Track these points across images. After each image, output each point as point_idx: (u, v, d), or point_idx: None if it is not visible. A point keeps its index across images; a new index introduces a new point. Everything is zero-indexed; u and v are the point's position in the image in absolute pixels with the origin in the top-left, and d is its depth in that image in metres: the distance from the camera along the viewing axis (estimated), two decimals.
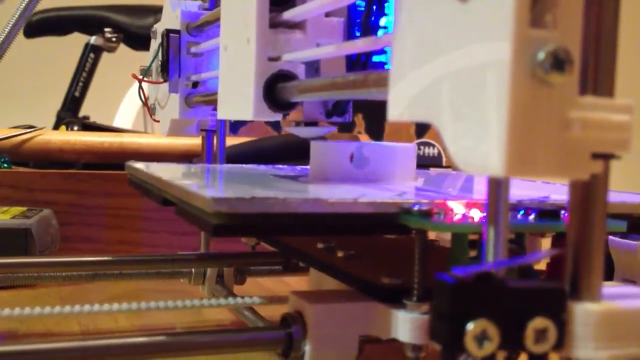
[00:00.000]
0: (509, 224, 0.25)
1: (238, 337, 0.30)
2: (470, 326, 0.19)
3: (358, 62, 0.34)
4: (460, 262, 0.26)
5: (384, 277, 0.30)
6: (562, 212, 0.27)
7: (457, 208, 0.27)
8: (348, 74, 0.29)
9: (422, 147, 0.97)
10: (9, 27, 0.63)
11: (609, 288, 0.21)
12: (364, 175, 0.38)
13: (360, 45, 0.29)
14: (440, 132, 0.21)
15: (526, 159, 0.18)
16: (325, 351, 0.29)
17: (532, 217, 0.27)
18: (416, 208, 0.27)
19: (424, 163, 0.95)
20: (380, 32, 0.33)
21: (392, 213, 0.28)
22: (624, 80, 0.25)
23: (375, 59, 0.34)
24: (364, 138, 0.79)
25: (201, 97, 0.46)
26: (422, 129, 0.96)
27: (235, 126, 0.87)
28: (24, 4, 0.62)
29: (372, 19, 0.33)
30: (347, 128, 0.91)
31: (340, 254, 0.35)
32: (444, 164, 0.97)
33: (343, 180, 0.37)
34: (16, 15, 0.64)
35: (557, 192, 0.34)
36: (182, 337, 0.30)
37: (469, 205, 0.27)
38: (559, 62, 0.18)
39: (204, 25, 0.46)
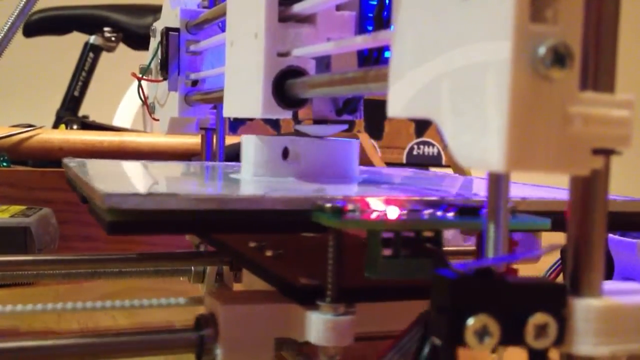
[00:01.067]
0: (427, 221, 0.25)
1: (150, 339, 0.28)
2: (471, 321, 0.19)
3: (370, 58, 0.33)
4: (374, 262, 0.25)
5: (301, 277, 0.28)
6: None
7: (374, 204, 0.26)
8: (346, 71, 0.29)
9: (421, 146, 0.97)
10: (7, 26, 0.63)
11: (610, 284, 0.21)
12: (298, 171, 0.36)
13: (372, 39, 0.28)
14: (441, 128, 0.21)
15: (526, 155, 0.18)
16: (237, 355, 0.28)
17: (451, 214, 0.26)
18: (328, 205, 0.25)
19: (423, 162, 0.95)
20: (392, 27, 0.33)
21: (304, 210, 0.26)
22: (625, 76, 0.25)
23: (388, 54, 0.33)
24: (364, 137, 0.79)
25: (200, 95, 0.46)
26: (421, 128, 0.96)
27: (235, 125, 0.87)
28: (22, 3, 0.62)
29: (385, 13, 0.32)
30: (346, 127, 0.91)
31: (268, 253, 0.34)
32: (443, 163, 0.97)
33: (274, 176, 0.35)
34: (15, 14, 0.64)
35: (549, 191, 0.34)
36: (91, 339, 0.28)
37: (387, 202, 0.26)
38: (559, 57, 0.18)
39: (203, 23, 0.46)
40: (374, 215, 0.25)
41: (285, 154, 0.36)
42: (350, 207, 0.25)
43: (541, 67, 0.18)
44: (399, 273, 0.25)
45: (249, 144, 0.36)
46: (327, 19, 0.33)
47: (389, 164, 0.86)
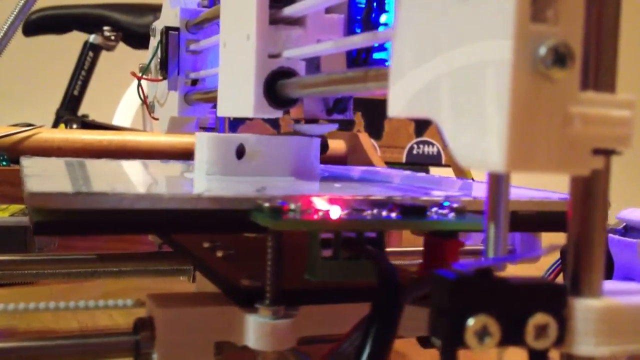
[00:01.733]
0: (368, 222, 0.24)
1: (87, 343, 0.27)
2: (471, 322, 0.19)
3: (358, 59, 0.34)
4: (314, 263, 0.25)
5: (243, 279, 0.28)
6: (434, 209, 0.26)
7: (318, 204, 0.25)
8: (346, 70, 0.29)
9: (421, 146, 0.97)
10: (6, 25, 0.63)
11: (610, 284, 0.21)
12: (252, 170, 0.36)
13: (361, 40, 0.29)
14: (441, 128, 0.21)
15: (527, 155, 0.18)
16: (174, 359, 0.27)
17: (394, 214, 0.25)
18: (267, 205, 0.24)
19: (423, 162, 0.95)
20: (380, 29, 0.33)
21: (244, 210, 0.25)
22: (626, 76, 0.25)
23: (376, 55, 0.34)
24: (364, 136, 0.79)
25: (200, 94, 0.46)
26: (421, 127, 0.96)
27: (235, 124, 0.86)
28: (22, 2, 0.62)
29: (373, 15, 0.33)
30: (346, 127, 0.91)
31: (219, 253, 0.33)
32: (443, 162, 0.97)
33: (228, 175, 0.35)
34: (14, 13, 0.64)
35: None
36: (25, 343, 0.27)
37: (331, 201, 0.25)
38: (560, 57, 0.18)
39: (203, 23, 0.46)
40: (316, 215, 0.24)
41: (241, 152, 0.36)
42: (291, 206, 0.24)
43: (542, 67, 0.18)
44: (339, 275, 0.25)
45: (202, 142, 0.36)
46: (317, 22, 0.34)
47: (389, 164, 0.86)
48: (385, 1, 0.33)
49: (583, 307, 0.20)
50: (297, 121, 0.38)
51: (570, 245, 0.21)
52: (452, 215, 0.26)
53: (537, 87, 0.18)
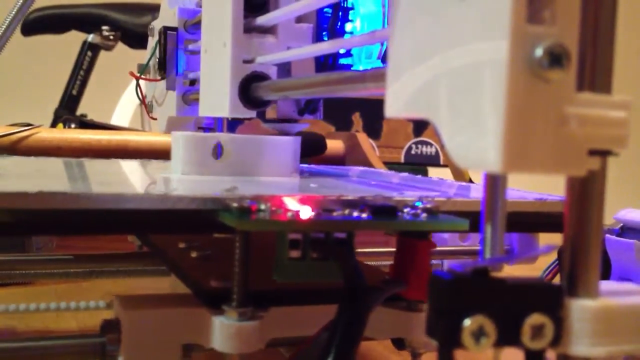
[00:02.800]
0: (338, 222, 0.24)
1: (52, 344, 0.27)
2: (467, 322, 0.19)
3: (326, 64, 0.37)
4: (282, 264, 0.24)
5: (212, 280, 0.27)
6: (407, 209, 0.25)
7: (288, 204, 0.25)
8: (345, 72, 0.30)
9: (419, 146, 0.97)
10: (5, 25, 0.63)
11: (606, 285, 0.21)
12: (228, 169, 0.36)
13: (328, 46, 0.30)
14: (438, 128, 0.21)
15: (523, 155, 0.18)
16: None
17: (364, 214, 0.25)
18: (235, 205, 0.24)
19: (421, 162, 0.95)
20: (346, 37, 0.36)
21: (211, 210, 0.25)
22: (622, 77, 0.25)
23: (342, 61, 0.37)
24: (362, 136, 0.79)
25: (198, 94, 0.46)
26: (419, 127, 0.96)
27: (233, 124, 0.86)
28: (20, 2, 0.62)
29: (339, 24, 0.36)
30: (345, 127, 0.91)
31: (193, 254, 0.33)
32: (441, 162, 0.97)
33: (204, 174, 0.36)
34: (13, 13, 0.64)
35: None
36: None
37: (302, 201, 0.25)
38: (556, 58, 0.18)
39: (201, 23, 0.46)
40: (286, 215, 0.24)
41: (217, 151, 0.37)
42: (260, 206, 0.24)
43: (538, 67, 0.18)
44: (307, 276, 0.25)
45: (178, 141, 0.37)
46: (288, 30, 0.37)
47: (387, 164, 0.86)
48: (350, 12, 0.36)
49: (579, 308, 0.20)
50: (272, 121, 0.40)
51: (567, 246, 0.21)
52: (424, 215, 0.25)
53: (534, 87, 0.18)
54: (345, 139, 0.79)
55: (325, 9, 0.36)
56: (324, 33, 0.37)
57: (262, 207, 0.24)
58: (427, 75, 0.21)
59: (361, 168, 0.54)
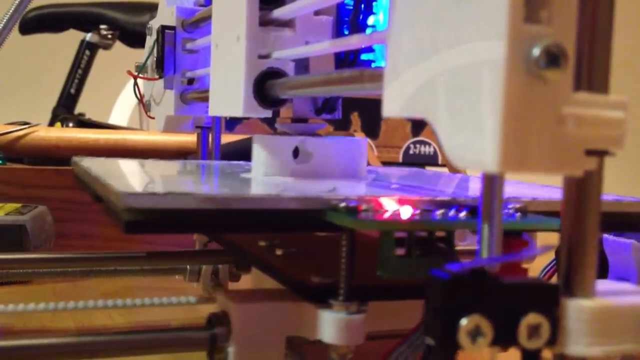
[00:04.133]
0: (440, 222, 0.25)
1: (162, 337, 0.29)
2: (464, 322, 0.19)
3: (346, 60, 0.35)
4: (387, 261, 0.25)
5: (313, 276, 0.29)
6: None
7: (388, 205, 0.26)
8: (342, 70, 0.29)
9: (417, 146, 0.97)
10: (3, 23, 0.63)
11: (603, 284, 0.21)
12: (308, 171, 0.36)
13: (351, 42, 0.29)
14: (435, 128, 0.21)
15: (520, 156, 0.18)
16: (249, 352, 0.28)
17: (463, 214, 0.26)
18: (343, 205, 0.25)
19: (420, 162, 0.95)
20: (368, 31, 0.34)
21: (319, 209, 0.26)
22: (619, 76, 0.25)
23: (364, 57, 0.35)
24: (360, 136, 0.79)
25: (196, 93, 0.46)
26: (418, 127, 0.97)
27: (232, 124, 0.87)
28: (18, 0, 0.62)
29: (361, 17, 0.34)
30: (343, 126, 0.91)
31: (279, 251, 0.34)
32: (439, 162, 0.97)
33: (286, 176, 0.36)
34: (10, 11, 0.64)
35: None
36: (101, 337, 0.28)
37: (400, 202, 0.26)
38: (553, 58, 0.18)
39: (199, 22, 0.46)
40: (386, 215, 0.25)
41: (295, 153, 0.36)
42: (363, 206, 0.25)
43: (535, 67, 0.18)
44: (411, 272, 0.26)
45: (260, 143, 0.37)
46: (306, 23, 0.35)
47: (385, 163, 0.86)
48: (373, 4, 0.33)
49: (576, 308, 0.20)
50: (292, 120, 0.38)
51: (563, 246, 0.21)
52: (518, 215, 0.26)
53: (531, 87, 0.18)
54: None
55: (347, 0, 0.34)
56: (344, 27, 0.35)
57: (365, 207, 0.25)
58: (424, 75, 0.21)
59: (414, 169, 0.54)
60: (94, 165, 0.38)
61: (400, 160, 0.96)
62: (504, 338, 0.20)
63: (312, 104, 0.37)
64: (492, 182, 0.21)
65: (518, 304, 0.20)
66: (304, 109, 0.37)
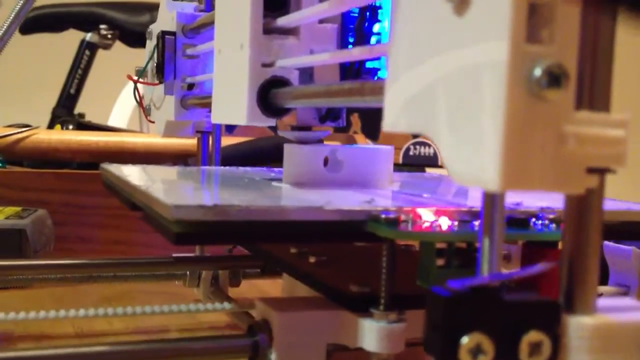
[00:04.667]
0: (461, 233, 0.26)
1: (204, 345, 0.30)
2: (465, 340, 0.19)
3: (352, 68, 0.34)
4: (428, 271, 0.26)
5: (352, 285, 0.29)
6: (533, 219, 0.27)
7: (426, 216, 0.27)
8: (343, 83, 0.29)
9: (417, 147, 0.97)
10: (6, 26, 0.63)
11: (604, 300, 0.21)
12: (338, 180, 0.37)
13: (355, 54, 0.29)
14: (436, 143, 0.21)
15: (522, 174, 0.18)
16: (291, 359, 0.29)
17: None
18: (383, 216, 0.26)
19: (420, 163, 0.95)
20: (373, 38, 0.34)
21: (360, 221, 0.27)
22: (620, 91, 0.25)
23: (369, 65, 0.34)
24: (360, 138, 0.79)
25: (197, 99, 0.46)
26: None
27: (231, 126, 0.86)
28: (20, 3, 0.61)
29: (366, 25, 0.33)
30: (343, 128, 0.91)
31: (312, 259, 0.35)
32: (439, 163, 0.97)
33: (316, 185, 0.36)
34: (13, 14, 0.63)
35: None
36: (146, 345, 0.29)
37: (438, 213, 0.27)
38: (555, 79, 0.18)
39: (200, 28, 0.45)
40: (425, 226, 0.26)
41: (325, 162, 0.37)
42: (403, 217, 0.26)
43: (536, 87, 0.18)
44: None
45: (291, 153, 0.37)
46: (311, 31, 0.34)
47: None
48: (378, 11, 0.33)
49: (576, 325, 0.20)
50: (292, 127, 0.38)
51: (564, 262, 0.21)
52: (553, 226, 0.27)
53: (532, 107, 0.18)
54: (344, 141, 0.79)
55: (352, 9, 0.34)
56: (349, 34, 0.35)
57: (404, 217, 0.26)
58: (425, 91, 0.21)
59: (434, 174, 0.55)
60: (126, 173, 0.39)
61: (400, 161, 0.96)
62: (505, 356, 0.20)
63: (316, 112, 0.37)
64: (492, 199, 0.21)
65: (519, 322, 0.20)
66: (308, 117, 0.37)
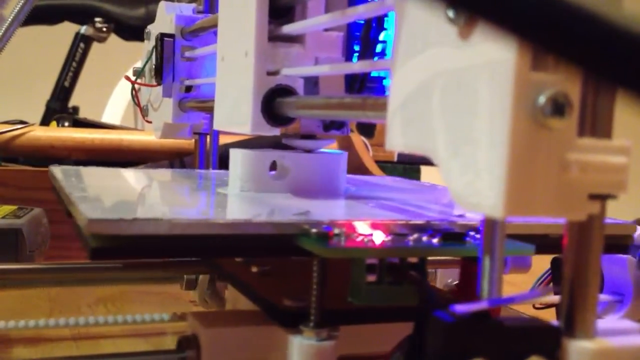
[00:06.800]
0: (412, 248, 0.25)
1: None
2: None
3: (357, 77, 0.34)
4: (358, 288, 0.25)
5: (286, 299, 0.28)
6: (472, 233, 0.26)
7: (361, 229, 0.25)
8: (345, 96, 0.29)
9: None
10: (6, 24, 0.63)
11: (604, 323, 0.21)
12: (284, 186, 0.36)
13: (356, 67, 0.29)
14: (438, 166, 0.21)
15: (524, 201, 0.19)
16: None
17: (435, 240, 0.25)
18: (314, 230, 0.25)
19: (415, 161, 0.95)
20: (379, 46, 0.33)
21: (290, 234, 0.26)
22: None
23: (374, 73, 0.34)
24: (356, 137, 0.79)
25: (195, 102, 0.46)
26: None
27: None
28: (20, 5, 0.61)
29: (372, 33, 0.33)
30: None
31: (254, 269, 0.34)
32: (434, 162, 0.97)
33: (262, 191, 0.35)
34: (14, 12, 0.63)
35: None
36: None
37: (373, 227, 0.26)
38: (559, 107, 0.18)
39: (198, 31, 0.45)
40: (359, 240, 0.25)
41: (272, 168, 0.36)
42: (335, 231, 0.25)
43: (540, 115, 0.18)
44: (383, 299, 0.25)
45: (237, 158, 0.36)
46: (316, 39, 0.34)
47: (381, 163, 0.86)
48: (385, 19, 0.33)
49: (577, 349, 0.20)
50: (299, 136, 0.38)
51: (565, 286, 0.21)
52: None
53: (536, 134, 0.18)
54: (339, 140, 0.79)
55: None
56: (355, 42, 0.34)
57: (337, 231, 0.25)
58: (428, 116, 0.21)
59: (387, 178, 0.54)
60: (70, 178, 0.37)
61: (395, 159, 0.96)
62: None
63: (320, 121, 0.37)
64: (493, 224, 0.21)
65: (520, 346, 0.20)
66: (312, 125, 0.37)
